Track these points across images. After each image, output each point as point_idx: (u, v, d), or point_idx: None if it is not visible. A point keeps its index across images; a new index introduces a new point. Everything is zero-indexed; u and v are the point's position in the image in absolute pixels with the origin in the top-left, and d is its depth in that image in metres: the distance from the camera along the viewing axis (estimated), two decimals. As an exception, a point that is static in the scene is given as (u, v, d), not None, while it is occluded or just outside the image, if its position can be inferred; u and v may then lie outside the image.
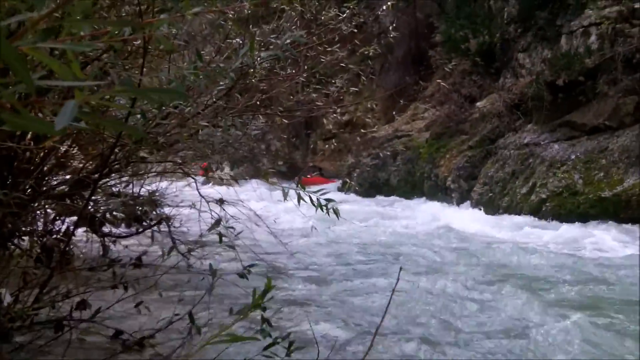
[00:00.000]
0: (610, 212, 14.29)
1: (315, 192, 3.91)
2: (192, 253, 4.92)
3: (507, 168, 17.48)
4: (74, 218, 5.52)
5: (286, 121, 7.56)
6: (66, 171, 5.93)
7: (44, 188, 5.29)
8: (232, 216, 5.63)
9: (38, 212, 5.44)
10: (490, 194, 17.49)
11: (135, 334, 4.14)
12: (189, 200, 6.48)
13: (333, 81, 8.18)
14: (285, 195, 3.80)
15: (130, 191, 6.52)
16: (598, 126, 15.94)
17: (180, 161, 6.10)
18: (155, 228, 6.43)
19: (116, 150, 4.38)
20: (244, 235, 5.11)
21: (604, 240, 12.39)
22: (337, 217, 3.75)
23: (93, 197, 5.64)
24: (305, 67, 7.41)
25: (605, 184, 14.74)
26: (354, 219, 13.10)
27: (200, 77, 3.75)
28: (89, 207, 5.56)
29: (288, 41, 4.38)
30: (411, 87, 23.25)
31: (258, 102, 6.55)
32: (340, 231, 12.15)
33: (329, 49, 7.35)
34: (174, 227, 6.58)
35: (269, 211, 7.64)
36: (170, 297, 4.81)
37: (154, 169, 6.64)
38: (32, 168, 4.74)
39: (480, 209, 17.31)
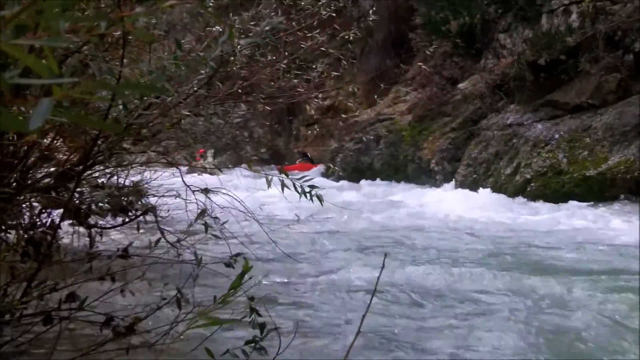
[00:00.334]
0: (596, 191, 14.38)
1: (299, 179, 3.93)
2: (180, 243, 4.94)
3: (490, 149, 17.53)
4: (60, 211, 5.52)
5: (268, 108, 7.57)
6: (50, 164, 5.92)
7: (29, 181, 5.29)
8: (217, 205, 5.65)
9: (23, 205, 5.44)
10: (475, 176, 17.54)
11: (125, 320, 4.16)
12: (174, 189, 6.49)
13: (314, 66, 8.18)
14: (268, 183, 3.82)
15: (115, 182, 6.52)
16: (581, 105, 16.01)
17: (163, 151, 6.11)
18: (141, 218, 6.44)
19: (99, 142, 4.38)
20: (230, 224, 5.14)
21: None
22: (321, 204, 3.78)
23: (78, 189, 5.64)
24: (286, 53, 7.41)
25: (589, 163, 14.82)
26: (339, 205, 13.14)
27: (181, 66, 3.76)
28: (74, 199, 5.56)
29: (267, 28, 4.39)
30: (392, 71, 23.23)
31: (239, 90, 6.55)
32: (325, 217, 12.16)
33: (309, 34, 7.34)
34: (161, 217, 6.58)
35: (253, 199, 7.65)
36: (158, 287, 4.82)
37: (137, 159, 6.64)
38: (16, 162, 4.74)
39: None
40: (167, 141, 5.94)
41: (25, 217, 5.42)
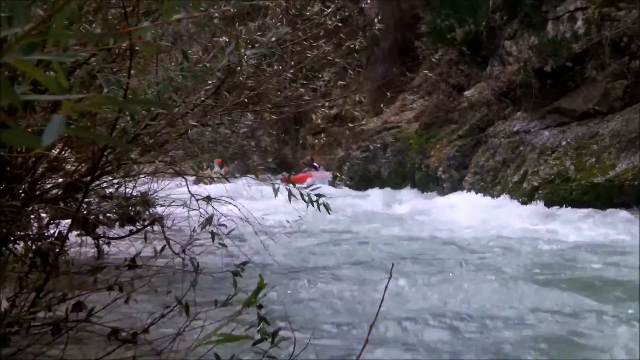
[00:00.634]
0: (603, 197, 14.32)
1: (306, 187, 3.94)
2: (185, 252, 4.95)
3: (497, 156, 17.51)
4: (68, 221, 5.55)
5: (275, 117, 7.59)
6: (59, 174, 5.94)
7: (37, 192, 5.31)
8: (222, 214, 5.67)
9: (32, 216, 5.46)
10: (482, 183, 17.53)
11: (130, 331, 4.17)
12: (181, 199, 6.51)
13: (320, 75, 8.20)
14: (275, 191, 3.83)
15: (123, 192, 6.55)
16: (588, 111, 15.98)
17: (170, 161, 6.13)
18: (148, 228, 6.46)
19: (107, 152, 4.41)
20: (236, 233, 5.15)
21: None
22: (328, 212, 3.79)
23: (86, 200, 5.66)
24: (292, 63, 7.43)
25: (597, 170, 14.77)
26: (346, 213, 13.14)
27: (188, 77, 3.78)
28: (82, 209, 5.58)
29: (273, 38, 4.41)
30: (398, 79, 23.25)
31: (246, 100, 6.58)
32: (332, 226, 12.16)
33: (315, 43, 7.37)
34: (167, 227, 6.60)
35: (259, 208, 7.67)
36: (164, 295, 4.84)
37: (145, 169, 6.66)
38: (24, 173, 4.76)
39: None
40: (174, 151, 5.96)
41: (34, 228, 5.44)
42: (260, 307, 3.32)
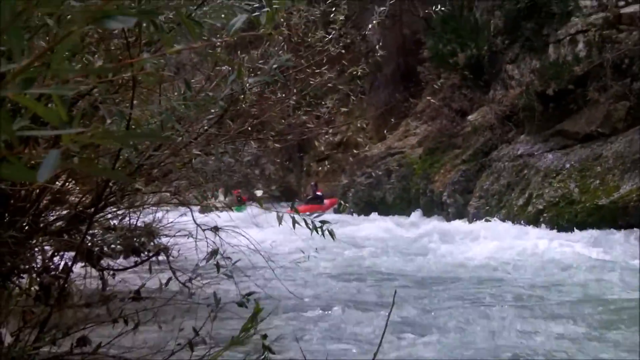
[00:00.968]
0: (609, 219, 14.26)
1: (310, 215, 3.91)
2: (192, 282, 4.92)
3: (502, 180, 17.49)
4: (72, 253, 5.52)
5: (279, 145, 7.58)
6: (62, 206, 5.92)
7: (41, 225, 5.29)
8: (228, 243, 5.64)
9: (36, 249, 5.44)
10: (487, 207, 17.49)
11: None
12: (186, 229, 6.48)
13: (323, 102, 8.19)
14: (279, 220, 3.80)
15: (127, 223, 6.52)
16: (591, 134, 15.98)
17: (174, 191, 6.10)
18: (153, 259, 6.43)
19: (111, 183, 4.39)
20: (242, 263, 5.12)
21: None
22: (333, 239, 3.75)
23: (90, 231, 5.64)
24: (295, 90, 7.42)
25: (601, 192, 14.73)
26: (352, 240, 13.08)
27: (191, 106, 3.76)
28: (87, 241, 5.56)
29: (276, 66, 4.40)
30: (401, 104, 23.31)
31: (250, 128, 6.56)
32: (337, 254, 12.10)
33: (318, 70, 7.36)
34: (172, 257, 6.58)
35: (265, 237, 7.64)
36: (171, 328, 4.79)
37: (149, 199, 6.64)
38: (28, 205, 4.74)
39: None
40: (178, 181, 5.94)
41: (38, 260, 5.41)
42: (265, 336, 3.28)
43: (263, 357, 3.26)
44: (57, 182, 5.24)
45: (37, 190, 4.76)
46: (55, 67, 1.05)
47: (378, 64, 21.95)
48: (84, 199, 5.68)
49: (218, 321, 4.94)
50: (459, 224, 17.25)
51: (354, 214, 21.97)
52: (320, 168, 27.26)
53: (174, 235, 6.96)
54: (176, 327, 4.09)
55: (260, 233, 7.25)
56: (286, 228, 3.97)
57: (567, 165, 15.83)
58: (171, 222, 7.26)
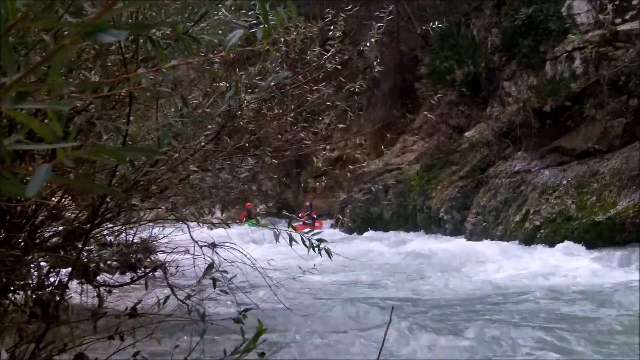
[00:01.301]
0: (606, 236, 14.27)
1: (307, 232, 3.90)
2: (190, 299, 4.89)
3: (499, 197, 17.51)
4: (68, 269, 5.49)
5: (276, 161, 7.57)
6: (58, 222, 5.90)
7: (37, 241, 5.26)
8: (225, 259, 5.61)
9: (31, 265, 5.41)
10: (484, 224, 17.49)
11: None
12: (183, 245, 6.46)
13: (321, 118, 8.19)
14: (276, 237, 3.79)
15: (124, 239, 6.49)
16: (587, 150, 16.01)
17: (171, 207, 6.09)
18: (150, 275, 6.40)
19: (107, 199, 4.38)
20: (238, 278, 5.09)
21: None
22: (329, 257, 3.74)
23: (86, 247, 5.61)
24: (292, 106, 7.42)
25: (598, 208, 14.75)
26: (349, 257, 13.03)
27: (187, 123, 3.76)
28: (83, 257, 5.53)
29: (273, 82, 4.40)
30: (399, 120, 23.35)
31: (247, 144, 6.56)
32: (333, 271, 12.06)
33: (315, 87, 7.37)
34: (170, 273, 6.55)
35: (261, 253, 7.60)
36: (167, 345, 4.77)
37: (146, 216, 6.62)
38: (23, 221, 4.73)
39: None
40: (175, 197, 5.92)
41: (33, 277, 5.39)
42: (262, 354, 3.25)
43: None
44: (53, 198, 5.22)
45: (33, 206, 4.75)
46: (50, 82, 1.05)
47: (376, 81, 22.05)
48: (80, 214, 5.66)
49: (215, 336, 4.92)
50: (459, 242, 17.16)
51: (353, 232, 21.94)
52: (317, 184, 27.27)
53: (171, 252, 6.93)
54: (173, 343, 4.07)
55: (257, 249, 7.22)
56: (284, 244, 3.96)
57: (564, 182, 15.85)
58: (166, 236, 7.25)
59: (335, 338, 7.40)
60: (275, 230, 3.80)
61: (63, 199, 5.53)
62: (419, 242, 17.72)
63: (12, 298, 5.17)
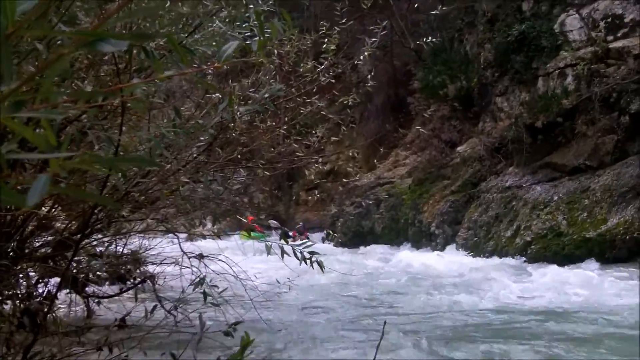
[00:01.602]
0: (596, 252, 14.29)
1: (299, 245, 3.88)
2: (177, 310, 4.87)
3: (490, 212, 17.52)
4: (57, 280, 5.47)
5: (268, 173, 7.56)
6: (48, 232, 5.88)
7: (26, 251, 5.24)
8: (214, 271, 5.60)
9: (20, 275, 5.38)
10: (475, 239, 17.50)
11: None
12: (173, 257, 6.43)
13: (313, 131, 8.19)
14: (268, 250, 3.78)
15: (113, 250, 6.47)
16: (579, 166, 16.05)
17: (162, 218, 6.07)
18: (139, 287, 6.38)
19: (97, 210, 4.35)
20: (228, 291, 5.07)
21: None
22: (322, 270, 3.73)
23: (76, 258, 5.59)
24: (286, 119, 7.43)
25: (589, 224, 14.77)
26: (340, 270, 13.00)
27: (180, 134, 3.75)
28: (72, 268, 5.51)
29: (267, 95, 4.39)
30: (391, 134, 23.37)
31: (239, 156, 6.55)
32: (323, 283, 12.02)
33: (308, 100, 7.37)
34: (159, 284, 6.52)
35: (252, 265, 7.59)
36: (156, 355, 4.74)
37: (136, 227, 6.59)
38: (13, 231, 4.70)
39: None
40: (165, 208, 5.90)
41: (22, 287, 5.36)
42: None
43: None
44: (43, 208, 5.20)
45: (23, 216, 4.72)
46: (44, 91, 1.04)
47: (368, 94, 22.08)
48: (70, 225, 5.64)
49: (203, 348, 4.89)
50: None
51: (344, 246, 21.89)
52: (309, 197, 27.24)
53: (160, 263, 6.90)
54: (161, 355, 4.04)
55: (247, 261, 7.20)
56: (275, 257, 3.95)
57: (555, 198, 15.89)
58: (155, 248, 7.22)
59: (323, 353, 7.37)
60: (267, 243, 3.79)
61: (53, 209, 5.51)
62: (410, 256, 17.66)
63: (0, 308, 5.14)
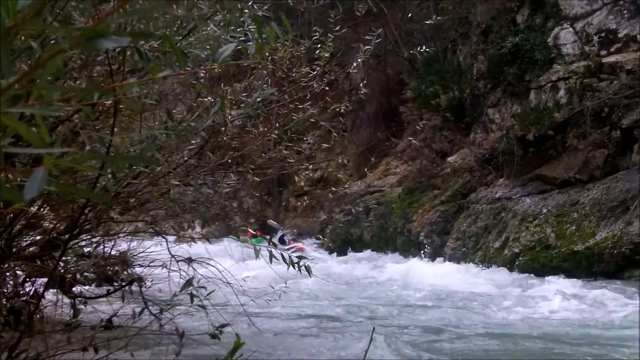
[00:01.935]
0: (584, 266, 14.33)
1: (287, 249, 3.90)
2: (163, 314, 4.86)
3: (479, 222, 17.54)
4: (44, 279, 5.45)
5: (258, 179, 7.55)
6: (36, 232, 5.86)
7: (14, 249, 5.22)
8: (202, 275, 5.59)
9: (7, 273, 5.36)
10: (464, 249, 17.52)
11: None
12: (161, 259, 6.42)
13: (305, 138, 8.20)
14: (257, 253, 3.78)
15: (101, 251, 6.45)
16: (569, 180, 16.09)
17: (151, 220, 6.06)
18: (126, 288, 6.35)
19: (86, 210, 4.35)
20: (216, 294, 5.07)
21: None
22: (309, 275, 3.74)
23: (63, 258, 5.57)
24: (277, 125, 7.43)
25: (577, 238, 14.81)
26: (328, 276, 13.00)
27: (172, 136, 3.75)
28: (59, 268, 5.49)
29: (259, 99, 4.40)
30: (383, 143, 23.38)
31: (230, 160, 6.54)
32: (312, 289, 12.03)
33: (301, 106, 7.38)
34: (146, 287, 6.51)
35: (240, 269, 7.58)
36: (142, 358, 4.73)
37: (125, 228, 6.58)
38: (1, 229, 4.69)
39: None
40: (155, 211, 5.89)
41: (9, 285, 5.34)
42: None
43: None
44: (32, 207, 5.18)
45: (11, 214, 4.71)
46: (41, 87, 1.04)
47: (361, 102, 22.10)
48: (58, 225, 5.62)
49: (189, 350, 4.89)
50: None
51: (332, 253, 21.87)
52: (299, 203, 27.22)
53: (148, 265, 6.89)
54: (147, 357, 4.04)
55: (235, 265, 7.19)
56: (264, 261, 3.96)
57: (545, 210, 15.93)
58: (144, 251, 7.20)
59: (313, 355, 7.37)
60: (256, 247, 3.79)
61: (42, 209, 5.50)
62: (398, 265, 17.68)
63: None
